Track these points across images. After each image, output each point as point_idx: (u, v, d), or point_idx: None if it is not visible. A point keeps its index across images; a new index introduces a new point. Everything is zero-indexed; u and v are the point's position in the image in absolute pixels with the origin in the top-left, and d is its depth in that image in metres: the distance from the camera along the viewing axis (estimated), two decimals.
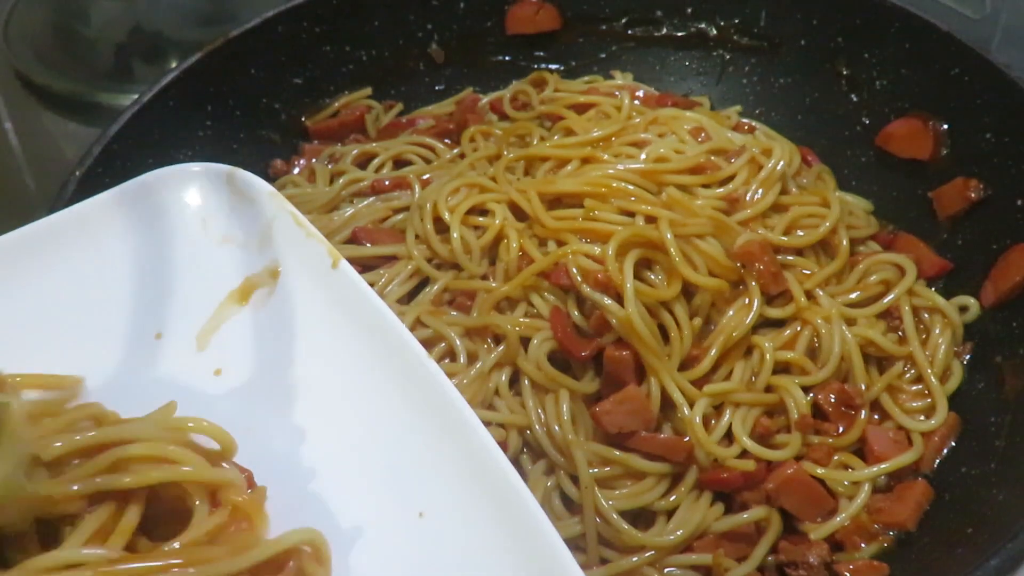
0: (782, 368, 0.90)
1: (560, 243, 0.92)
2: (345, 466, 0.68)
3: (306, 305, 0.75)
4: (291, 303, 0.76)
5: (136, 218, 0.79)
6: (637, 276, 0.87)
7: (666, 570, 0.82)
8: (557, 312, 0.88)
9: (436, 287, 0.95)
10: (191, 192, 0.80)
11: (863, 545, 0.83)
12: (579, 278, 0.87)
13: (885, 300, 0.95)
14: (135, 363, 0.72)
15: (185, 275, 0.78)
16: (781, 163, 1.00)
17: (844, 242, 0.98)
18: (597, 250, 0.88)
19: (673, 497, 0.84)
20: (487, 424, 0.86)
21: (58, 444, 0.60)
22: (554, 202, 0.96)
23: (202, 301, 0.76)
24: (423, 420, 0.66)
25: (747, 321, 0.89)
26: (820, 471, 0.85)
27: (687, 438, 0.84)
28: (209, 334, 0.76)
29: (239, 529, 0.62)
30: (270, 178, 1.18)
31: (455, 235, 0.95)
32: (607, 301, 0.85)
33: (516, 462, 0.88)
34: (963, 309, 0.97)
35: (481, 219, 0.97)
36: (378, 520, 0.65)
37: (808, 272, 0.95)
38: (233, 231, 0.79)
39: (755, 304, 0.90)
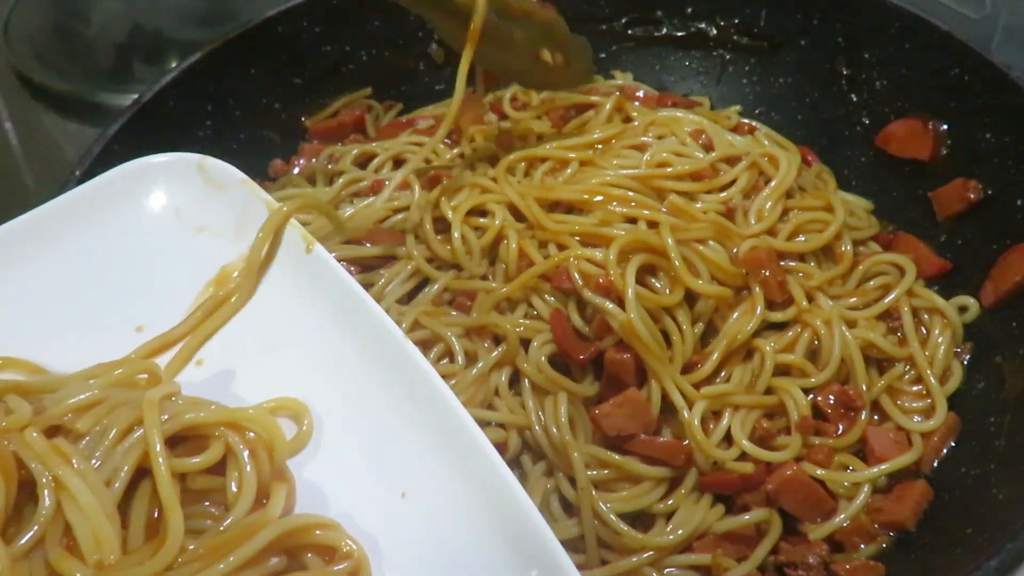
0: (782, 371, 0.90)
1: (560, 246, 0.92)
2: (327, 448, 0.69)
3: (283, 290, 0.75)
4: (268, 289, 0.76)
5: (109, 213, 0.79)
6: (641, 282, 0.86)
7: (666, 570, 0.82)
8: (557, 314, 0.88)
9: (436, 287, 0.94)
10: (162, 183, 0.80)
11: (862, 545, 0.83)
12: (580, 282, 0.87)
13: (885, 301, 0.95)
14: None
15: (162, 267, 0.78)
16: (788, 178, 1.00)
17: (847, 247, 0.98)
18: (599, 255, 0.88)
19: (671, 500, 0.84)
20: (487, 424, 0.86)
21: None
22: (554, 204, 0.96)
23: (181, 292, 0.77)
24: (403, 401, 0.67)
25: (748, 328, 0.89)
26: (820, 472, 0.85)
27: (686, 441, 0.84)
28: None
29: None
30: (270, 178, 1.18)
31: (456, 235, 0.95)
32: (609, 305, 0.85)
33: (517, 463, 0.88)
34: (963, 309, 0.97)
35: (481, 220, 0.96)
36: (362, 500, 0.66)
37: (809, 275, 0.95)
38: (208, 220, 0.79)
39: (758, 310, 0.90)
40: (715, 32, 1.25)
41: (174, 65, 1.09)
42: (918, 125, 1.07)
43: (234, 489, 0.64)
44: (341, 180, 1.09)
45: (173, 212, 0.80)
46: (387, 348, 0.69)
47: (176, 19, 1.50)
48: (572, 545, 0.83)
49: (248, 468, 0.64)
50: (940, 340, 0.94)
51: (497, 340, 0.90)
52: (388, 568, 0.63)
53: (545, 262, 0.90)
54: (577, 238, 0.91)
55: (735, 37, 1.24)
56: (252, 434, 0.67)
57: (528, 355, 0.88)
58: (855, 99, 1.14)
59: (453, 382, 0.88)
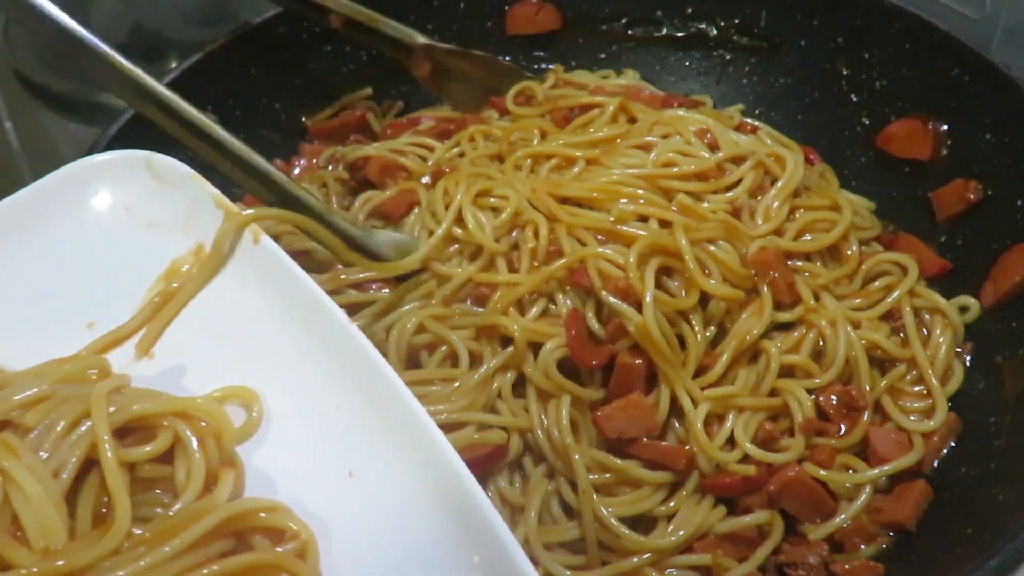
0: (787, 371, 0.90)
1: (579, 241, 0.90)
2: (277, 432, 0.70)
3: (232, 282, 0.77)
4: (217, 281, 0.77)
5: (57, 211, 0.79)
6: (657, 285, 0.85)
7: (666, 571, 0.82)
8: (574, 316, 0.86)
9: (447, 286, 0.92)
10: (109, 181, 0.81)
11: (862, 546, 0.83)
12: (599, 282, 0.86)
13: (888, 300, 0.95)
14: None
15: (113, 263, 0.79)
16: (795, 177, 0.99)
17: (854, 247, 0.98)
18: (617, 256, 0.87)
19: (672, 503, 0.84)
20: (488, 427, 0.86)
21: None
22: (562, 200, 0.94)
23: (132, 287, 0.78)
24: (350, 384, 0.69)
25: (755, 330, 0.88)
26: (822, 473, 0.85)
27: (689, 446, 0.84)
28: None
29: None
30: None
31: (469, 218, 0.93)
32: (626, 307, 0.84)
33: (518, 464, 0.88)
34: (963, 309, 0.97)
35: (494, 200, 0.95)
36: (310, 481, 0.67)
37: (815, 274, 0.95)
38: (157, 215, 0.80)
39: (767, 312, 0.89)
40: (715, 32, 1.25)
41: (174, 65, 1.09)
42: (918, 125, 1.07)
43: (182, 477, 0.65)
44: (357, 202, 1.07)
45: (122, 208, 0.80)
46: (333, 333, 0.70)
47: (176, 19, 1.50)
48: (572, 547, 0.84)
49: (197, 456, 0.66)
50: (941, 340, 0.94)
51: (505, 341, 0.88)
52: (336, 547, 0.64)
53: (571, 255, 0.88)
54: (593, 234, 0.90)
55: (735, 37, 1.24)
56: (203, 423, 0.68)
57: (537, 359, 0.86)
58: (855, 99, 1.14)
59: (456, 385, 0.87)
